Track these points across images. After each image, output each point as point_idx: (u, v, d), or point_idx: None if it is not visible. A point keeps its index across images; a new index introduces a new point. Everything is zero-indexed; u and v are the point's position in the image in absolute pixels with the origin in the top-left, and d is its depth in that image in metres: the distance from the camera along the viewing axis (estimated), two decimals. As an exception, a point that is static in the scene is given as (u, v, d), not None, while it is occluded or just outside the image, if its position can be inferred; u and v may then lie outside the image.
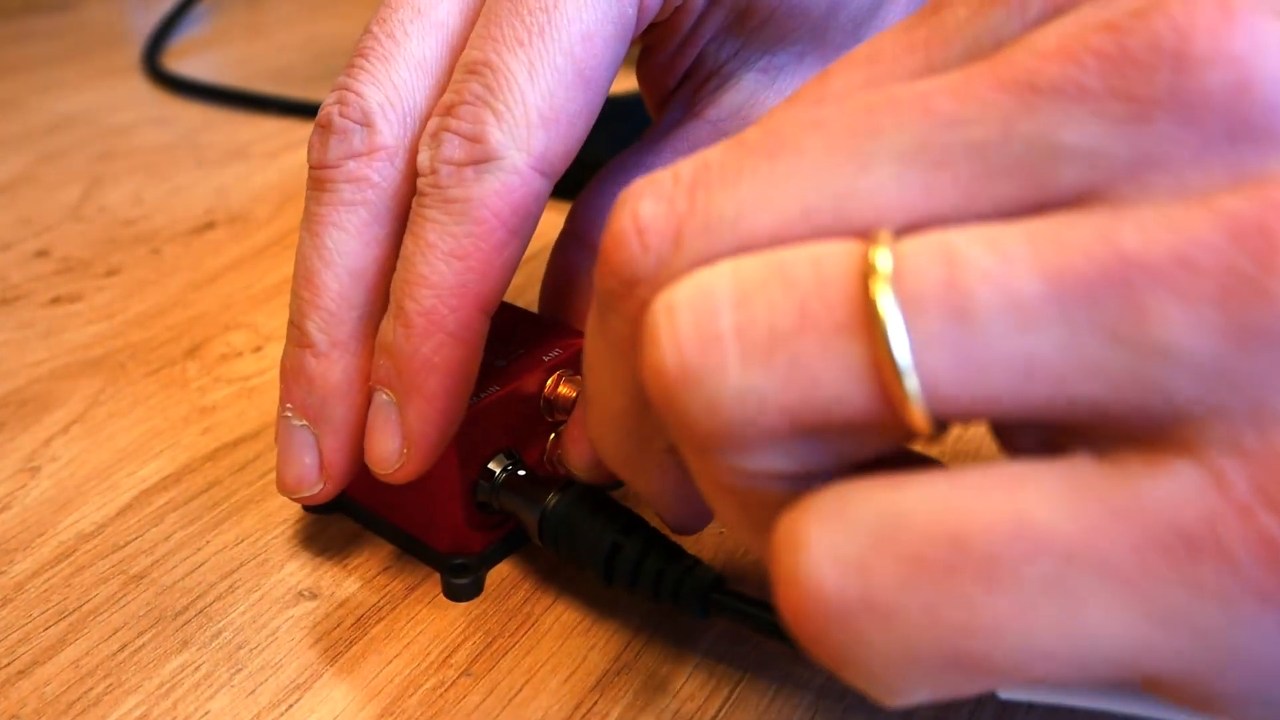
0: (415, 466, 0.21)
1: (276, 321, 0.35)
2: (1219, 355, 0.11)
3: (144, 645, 0.22)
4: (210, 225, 0.42)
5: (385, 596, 0.24)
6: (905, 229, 0.13)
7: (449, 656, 0.22)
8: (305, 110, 0.54)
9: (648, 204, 0.14)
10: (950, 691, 0.13)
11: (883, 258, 0.13)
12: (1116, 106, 0.12)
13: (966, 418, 0.13)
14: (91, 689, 0.21)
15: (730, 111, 0.26)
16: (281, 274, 0.38)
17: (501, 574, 0.24)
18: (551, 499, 0.22)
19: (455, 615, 0.23)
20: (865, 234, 0.13)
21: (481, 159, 0.20)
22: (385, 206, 0.21)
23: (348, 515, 0.26)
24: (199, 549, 0.25)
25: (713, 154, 0.15)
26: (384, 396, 0.21)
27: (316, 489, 0.22)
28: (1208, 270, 0.11)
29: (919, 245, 0.13)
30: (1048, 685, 0.15)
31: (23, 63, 0.64)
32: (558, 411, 0.24)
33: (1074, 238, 0.12)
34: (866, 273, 0.13)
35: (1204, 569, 0.11)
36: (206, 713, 0.21)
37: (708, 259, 0.14)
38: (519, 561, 0.24)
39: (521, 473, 0.23)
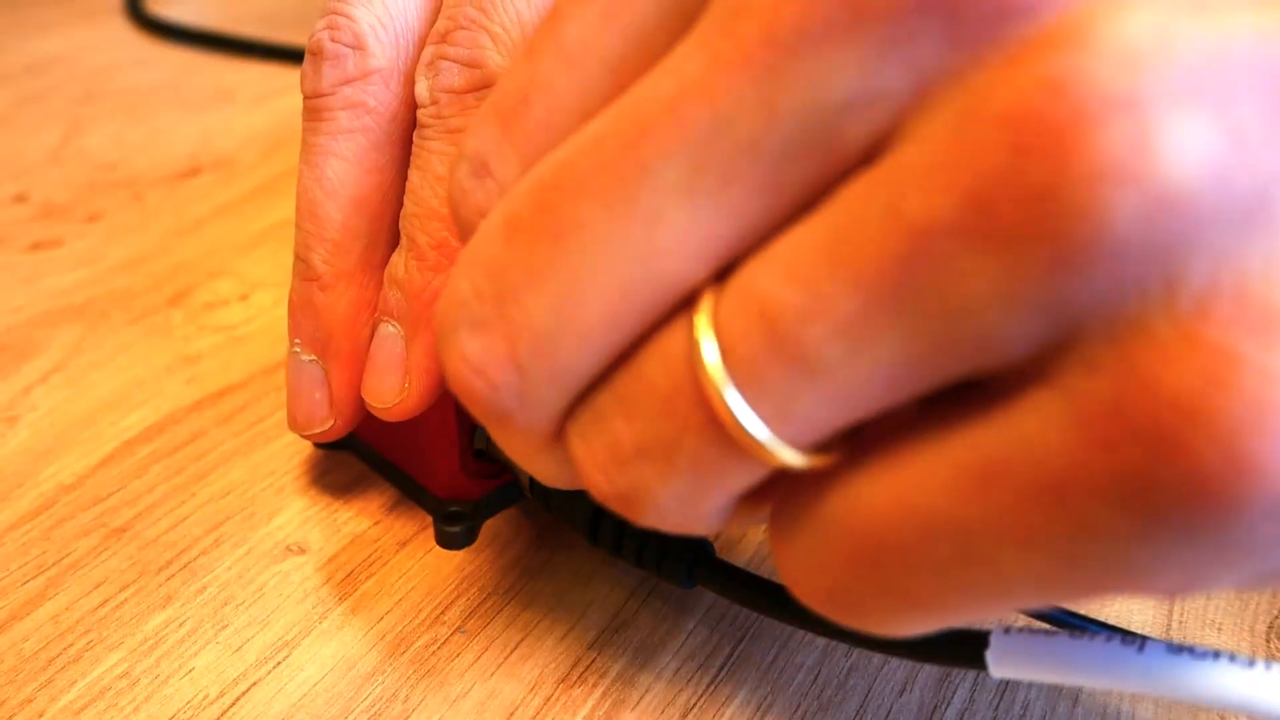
0: (414, 403, 0.21)
1: (263, 269, 0.34)
2: (1047, 288, 0.10)
3: (126, 600, 0.22)
4: (195, 171, 0.41)
5: (376, 551, 0.23)
6: (725, 264, 0.12)
7: (442, 613, 0.21)
8: (292, 55, 0.52)
9: (468, 340, 0.14)
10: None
11: (707, 346, 0.12)
12: (874, 31, 0.11)
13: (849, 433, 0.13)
14: (71, 645, 0.21)
15: None
16: (268, 220, 0.37)
17: (495, 529, 0.23)
18: None
19: (448, 571, 0.22)
20: (689, 296, 0.13)
21: (481, 84, 0.19)
22: (384, 132, 0.21)
23: (355, 454, 0.25)
24: (183, 502, 0.24)
25: (494, 250, 0.13)
26: (390, 328, 0.21)
27: (327, 425, 0.22)
28: (999, 202, 0.10)
29: (736, 304, 0.12)
30: (1037, 666, 0.15)
31: (0, 2, 0.62)
32: None
33: (865, 226, 0.11)
34: (698, 367, 0.12)
35: (1086, 511, 0.11)
36: (191, 669, 0.20)
37: (559, 371, 0.13)
38: (513, 517, 0.24)
39: None
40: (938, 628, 0.13)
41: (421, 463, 0.23)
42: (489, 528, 0.23)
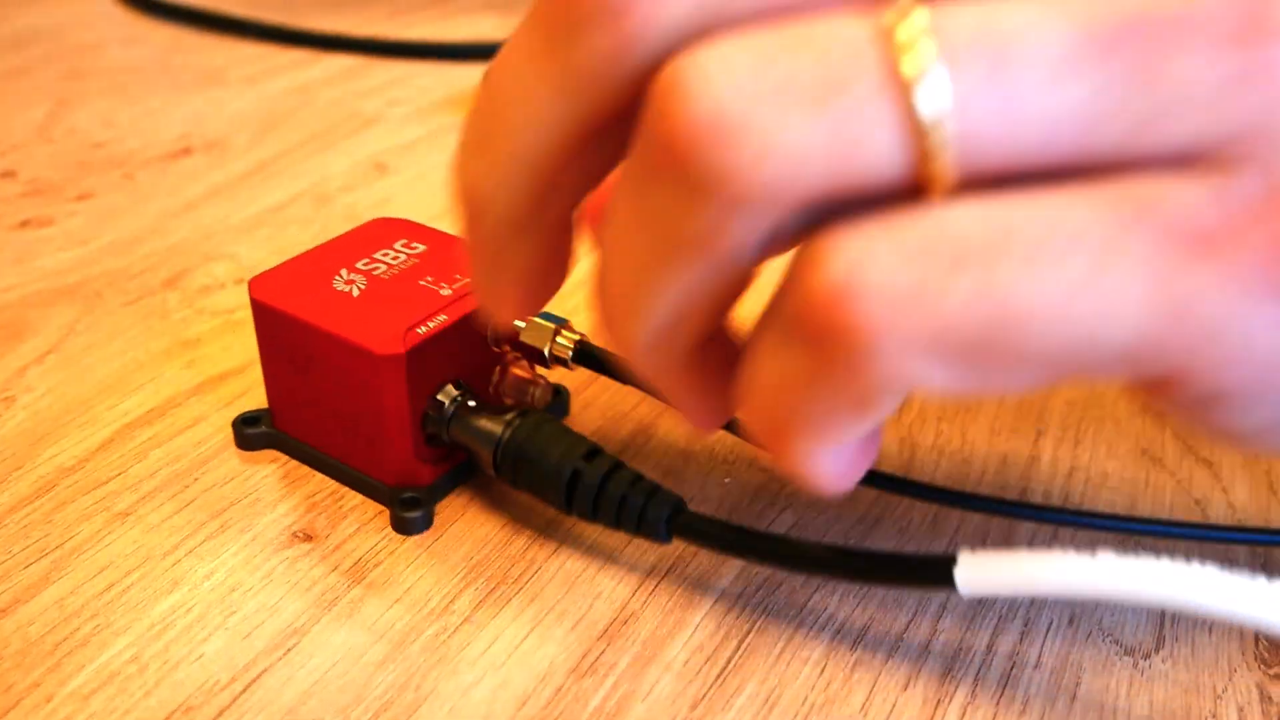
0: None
1: (259, 253, 0.34)
2: (1231, 88, 0.12)
3: (132, 585, 0.22)
4: (186, 151, 0.41)
5: (382, 540, 0.23)
6: None
7: (451, 603, 0.21)
8: (283, 36, 0.52)
9: None
10: (945, 379, 0.13)
11: (918, 12, 0.13)
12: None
13: (988, 174, 0.13)
14: (78, 629, 0.21)
15: None
16: (262, 204, 0.37)
17: (501, 521, 0.23)
18: (507, 430, 0.22)
19: (455, 562, 0.22)
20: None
21: None
22: None
23: (283, 451, 0.25)
24: (186, 486, 0.24)
25: None
26: None
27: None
28: (1216, 15, 0.12)
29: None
30: (1002, 581, 0.17)
31: (-19, -26, 0.61)
32: (505, 340, 0.24)
33: None
34: (899, 27, 0.13)
35: (1220, 262, 0.13)
36: (200, 656, 0.20)
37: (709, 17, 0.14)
38: (518, 509, 0.24)
39: (472, 403, 0.23)
40: (952, 371, 0.13)
41: (370, 452, 0.23)
42: (492, 521, 0.23)
